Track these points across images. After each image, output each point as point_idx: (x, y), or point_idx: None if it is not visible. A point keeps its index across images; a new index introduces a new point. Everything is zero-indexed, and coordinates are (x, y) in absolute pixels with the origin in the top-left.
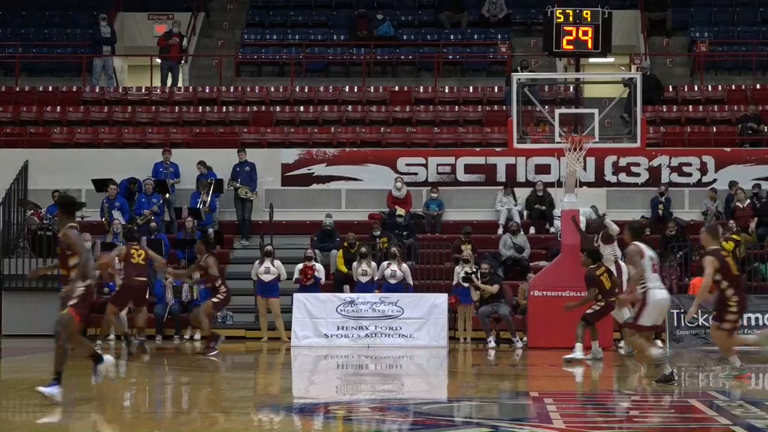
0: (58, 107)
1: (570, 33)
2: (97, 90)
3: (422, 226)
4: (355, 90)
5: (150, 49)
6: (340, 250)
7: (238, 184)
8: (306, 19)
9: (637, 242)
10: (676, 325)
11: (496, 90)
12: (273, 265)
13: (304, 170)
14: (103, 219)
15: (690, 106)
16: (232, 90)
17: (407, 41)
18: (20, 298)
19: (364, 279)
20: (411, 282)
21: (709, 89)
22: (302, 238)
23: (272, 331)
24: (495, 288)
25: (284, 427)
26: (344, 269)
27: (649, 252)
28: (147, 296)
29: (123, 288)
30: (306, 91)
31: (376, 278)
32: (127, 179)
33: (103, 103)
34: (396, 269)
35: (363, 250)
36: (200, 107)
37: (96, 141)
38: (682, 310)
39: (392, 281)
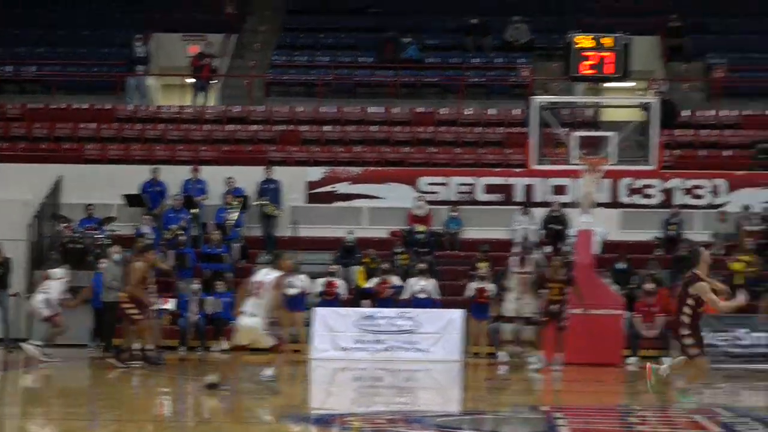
0: (93, 124)
1: (590, 58)
2: (130, 108)
3: (441, 244)
4: (381, 111)
5: (183, 68)
6: (361, 266)
7: (264, 201)
8: (335, 42)
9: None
10: None
11: (518, 112)
12: (297, 280)
13: (328, 188)
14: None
15: (705, 131)
16: (260, 109)
17: (432, 64)
18: None
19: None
20: (438, 296)
21: (725, 114)
22: (326, 254)
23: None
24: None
25: None
26: (365, 285)
27: (253, 277)
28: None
29: None
30: (333, 111)
31: (403, 295)
32: (148, 181)
33: (135, 121)
34: (426, 284)
35: (384, 266)
36: (229, 126)
37: (128, 157)
38: None
39: (422, 296)
